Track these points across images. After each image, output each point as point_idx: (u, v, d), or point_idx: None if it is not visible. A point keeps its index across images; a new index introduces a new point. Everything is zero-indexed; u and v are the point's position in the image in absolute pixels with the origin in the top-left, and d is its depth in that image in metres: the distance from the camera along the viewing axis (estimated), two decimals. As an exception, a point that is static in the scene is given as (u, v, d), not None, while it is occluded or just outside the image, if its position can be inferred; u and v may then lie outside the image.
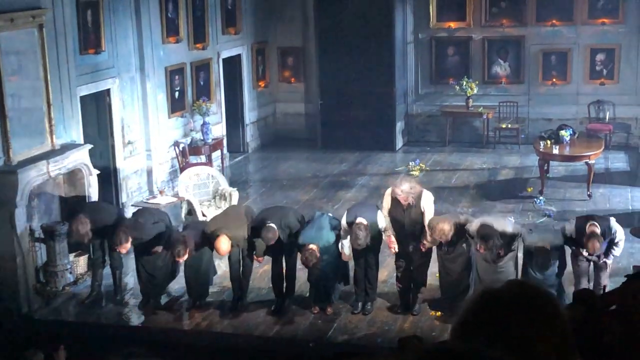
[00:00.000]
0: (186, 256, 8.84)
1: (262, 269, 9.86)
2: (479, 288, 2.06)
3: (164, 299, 9.51)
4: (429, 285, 9.14)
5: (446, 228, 8.39)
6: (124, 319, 9.39)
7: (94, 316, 9.40)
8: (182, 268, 9.41)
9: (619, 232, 8.52)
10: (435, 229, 8.42)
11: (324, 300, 9.07)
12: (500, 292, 1.84)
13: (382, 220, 8.78)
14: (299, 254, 8.95)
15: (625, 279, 3.96)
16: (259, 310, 9.19)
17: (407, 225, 8.71)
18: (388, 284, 9.56)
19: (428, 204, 8.73)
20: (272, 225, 8.78)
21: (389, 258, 9.38)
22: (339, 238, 8.91)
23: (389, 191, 8.82)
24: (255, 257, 9.12)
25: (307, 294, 9.27)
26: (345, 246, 8.81)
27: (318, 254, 8.58)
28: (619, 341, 2.62)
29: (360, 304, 9.08)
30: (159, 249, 9.12)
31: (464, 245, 8.72)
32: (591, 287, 8.43)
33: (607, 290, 7.96)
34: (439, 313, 8.92)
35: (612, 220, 8.61)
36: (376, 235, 8.87)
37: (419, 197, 8.67)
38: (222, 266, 9.79)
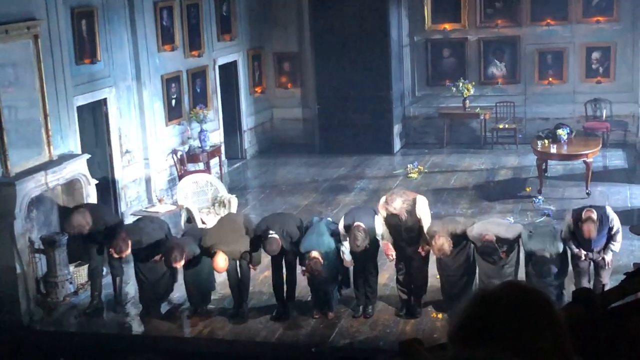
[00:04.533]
0: (182, 262, 8.80)
1: (262, 275, 9.85)
2: (474, 291, 2.07)
3: (164, 307, 9.51)
4: (430, 286, 9.14)
5: (445, 247, 8.37)
6: (126, 328, 9.38)
7: (95, 326, 9.39)
8: (181, 276, 9.40)
9: (616, 220, 8.53)
10: (435, 246, 8.41)
11: (324, 305, 9.06)
12: (495, 294, 1.84)
13: (380, 225, 8.77)
14: (298, 260, 8.98)
15: (625, 277, 3.95)
16: (261, 316, 9.18)
17: (405, 231, 8.70)
18: (389, 287, 9.56)
19: (424, 209, 8.71)
20: (275, 236, 8.73)
21: (388, 262, 9.38)
22: (338, 243, 8.91)
23: (382, 202, 8.74)
24: (251, 266, 9.11)
25: (309, 299, 9.26)
26: (346, 252, 8.78)
27: (322, 261, 8.55)
28: (618, 340, 2.62)
29: (361, 308, 9.08)
30: (158, 257, 9.10)
31: (464, 245, 8.72)
32: (591, 286, 8.42)
33: (606, 288, 7.95)
34: (440, 315, 8.92)
35: (608, 208, 8.66)
36: (374, 241, 8.87)
37: (413, 204, 8.64)
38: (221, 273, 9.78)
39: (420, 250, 8.67)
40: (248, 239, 8.99)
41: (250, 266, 9.10)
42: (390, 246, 8.73)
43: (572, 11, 15.91)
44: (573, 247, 8.57)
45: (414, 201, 8.65)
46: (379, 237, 8.80)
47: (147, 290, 9.34)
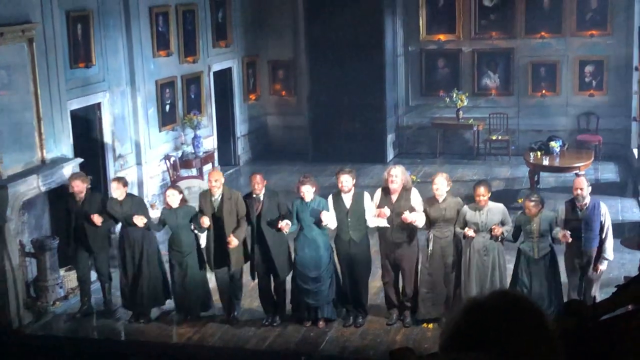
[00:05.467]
0: (177, 195, 9.14)
1: (253, 283, 9.83)
2: (465, 300, 2.08)
3: (155, 313, 9.48)
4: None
5: (444, 185, 8.65)
6: (115, 333, 9.34)
7: (85, 331, 9.35)
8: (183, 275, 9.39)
9: (607, 216, 8.61)
10: (433, 183, 8.68)
11: (311, 316, 9.04)
12: (486, 303, 1.85)
13: (369, 205, 8.79)
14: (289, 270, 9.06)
15: (616, 289, 3.96)
16: (251, 324, 9.16)
17: (396, 217, 8.68)
18: (380, 297, 9.54)
19: (419, 199, 8.80)
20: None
21: (379, 270, 9.38)
22: (331, 259, 8.97)
23: (378, 191, 8.89)
24: (232, 236, 8.90)
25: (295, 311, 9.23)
26: (325, 213, 8.75)
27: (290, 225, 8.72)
28: (609, 352, 2.63)
29: (351, 317, 9.07)
30: (140, 220, 9.05)
31: (451, 256, 8.74)
32: (582, 298, 8.44)
33: (597, 300, 7.96)
34: (431, 325, 8.91)
35: (602, 202, 8.73)
36: (365, 242, 8.92)
37: (409, 190, 8.76)
38: (212, 280, 9.75)
39: (402, 218, 8.58)
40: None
41: (231, 236, 8.92)
42: (383, 210, 8.67)
43: (566, 24, 15.99)
44: (559, 231, 8.49)
45: (410, 189, 8.81)
46: (367, 221, 8.77)
47: (131, 297, 9.29)
